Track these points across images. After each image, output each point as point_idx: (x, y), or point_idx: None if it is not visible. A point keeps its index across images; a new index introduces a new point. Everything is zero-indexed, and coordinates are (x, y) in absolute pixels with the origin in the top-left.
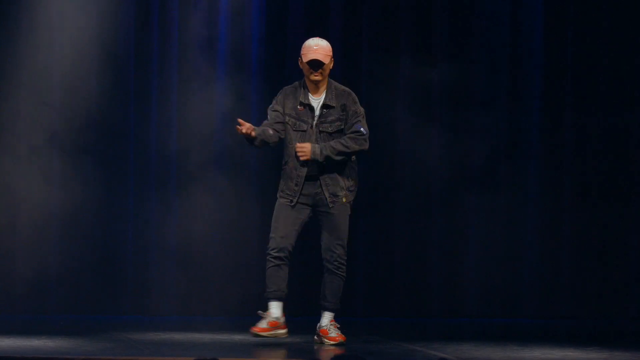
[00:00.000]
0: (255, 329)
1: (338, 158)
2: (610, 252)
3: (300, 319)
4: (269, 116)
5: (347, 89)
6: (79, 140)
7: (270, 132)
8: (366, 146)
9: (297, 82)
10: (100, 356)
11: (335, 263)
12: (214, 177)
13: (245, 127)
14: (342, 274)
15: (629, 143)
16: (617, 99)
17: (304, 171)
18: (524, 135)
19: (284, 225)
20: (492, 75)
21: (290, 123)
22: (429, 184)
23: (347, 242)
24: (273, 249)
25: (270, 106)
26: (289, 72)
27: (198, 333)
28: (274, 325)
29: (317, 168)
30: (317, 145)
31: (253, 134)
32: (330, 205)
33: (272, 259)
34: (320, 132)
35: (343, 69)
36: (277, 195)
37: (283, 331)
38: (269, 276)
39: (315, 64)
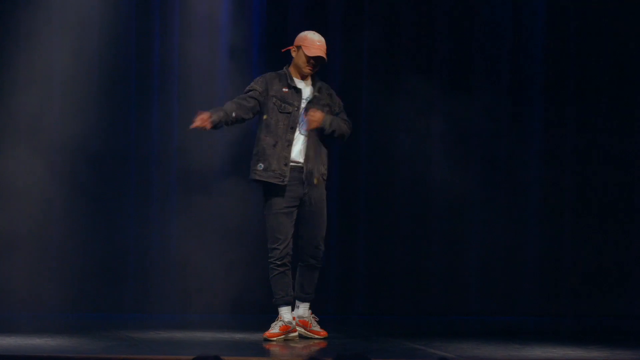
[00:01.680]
0: (267, 334)
1: (334, 135)
2: (611, 251)
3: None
4: (247, 93)
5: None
6: (81, 141)
7: (234, 115)
8: (349, 134)
9: (280, 70)
10: (102, 354)
11: (319, 259)
12: (214, 176)
13: (199, 120)
14: (321, 266)
15: (631, 145)
16: (620, 103)
17: (289, 151)
18: (526, 136)
19: (284, 234)
20: (493, 82)
21: (276, 105)
22: (430, 181)
23: None
24: (277, 259)
25: (249, 85)
26: None
27: (199, 331)
28: (286, 330)
29: (301, 153)
30: (328, 116)
31: (209, 126)
32: (304, 179)
33: (277, 267)
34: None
35: (344, 90)
36: (263, 176)
37: (295, 334)
38: (275, 283)
39: (320, 61)
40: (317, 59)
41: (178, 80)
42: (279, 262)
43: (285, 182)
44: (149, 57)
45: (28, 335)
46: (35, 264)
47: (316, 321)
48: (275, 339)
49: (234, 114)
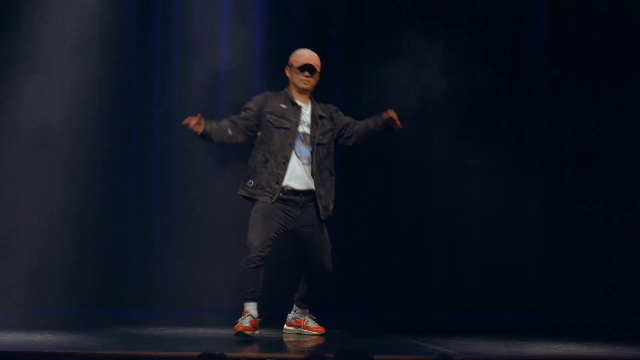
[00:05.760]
0: (241, 328)
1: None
2: (612, 247)
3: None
4: (241, 113)
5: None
6: (81, 136)
7: (230, 132)
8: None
9: (281, 90)
10: (103, 351)
11: (328, 277)
12: (215, 173)
13: (193, 121)
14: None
15: (632, 141)
16: (621, 103)
17: (284, 169)
18: (527, 135)
19: (264, 229)
20: (494, 80)
21: (271, 120)
22: (431, 178)
23: None
24: (256, 249)
25: (247, 103)
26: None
27: (201, 328)
28: (255, 325)
29: (311, 182)
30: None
31: (200, 131)
32: (322, 218)
33: (255, 260)
34: (317, 144)
35: (345, 79)
36: (252, 193)
37: (258, 332)
38: (249, 276)
39: (309, 68)
40: (307, 67)
41: (179, 79)
42: (257, 253)
43: (274, 200)
44: (150, 59)
45: (29, 331)
46: (36, 260)
47: (313, 320)
48: (248, 332)
49: (230, 132)
